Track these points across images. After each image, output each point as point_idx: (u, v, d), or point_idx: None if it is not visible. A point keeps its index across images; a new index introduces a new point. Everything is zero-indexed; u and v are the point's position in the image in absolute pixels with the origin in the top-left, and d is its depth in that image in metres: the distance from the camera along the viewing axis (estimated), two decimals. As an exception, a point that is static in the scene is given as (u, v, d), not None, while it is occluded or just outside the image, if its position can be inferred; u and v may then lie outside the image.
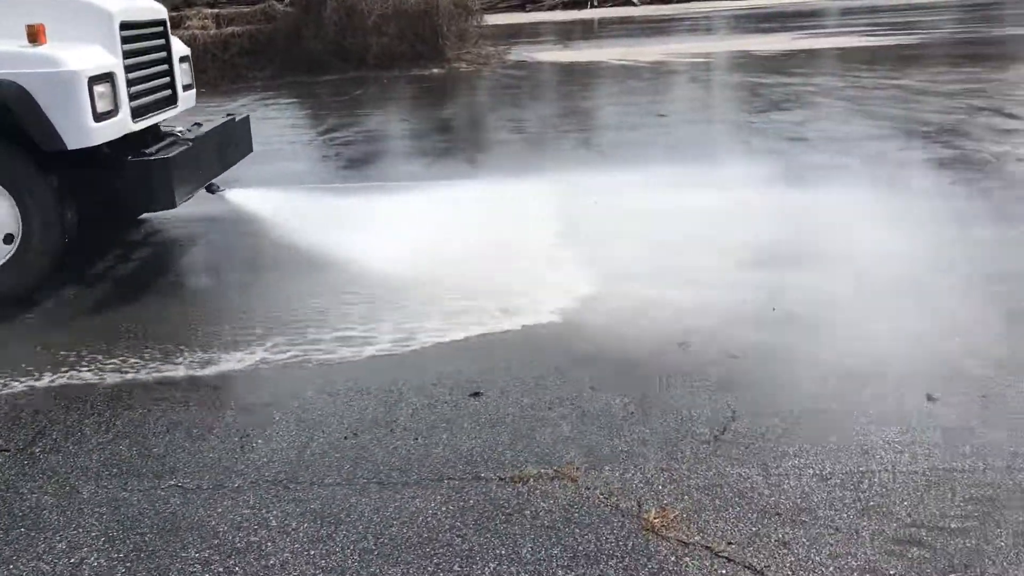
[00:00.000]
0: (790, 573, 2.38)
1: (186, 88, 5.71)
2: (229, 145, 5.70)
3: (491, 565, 2.47)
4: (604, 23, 28.17)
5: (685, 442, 3.05)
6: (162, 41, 5.39)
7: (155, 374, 3.79)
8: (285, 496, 2.85)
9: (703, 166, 6.87)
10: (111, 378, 3.77)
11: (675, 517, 2.63)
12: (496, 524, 2.65)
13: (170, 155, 4.85)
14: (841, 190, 5.93)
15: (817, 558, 2.44)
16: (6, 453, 3.19)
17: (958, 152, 7.07)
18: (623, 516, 2.66)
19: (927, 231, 5.06)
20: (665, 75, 13.86)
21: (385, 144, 9.29)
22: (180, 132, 5.34)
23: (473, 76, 15.47)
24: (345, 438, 3.18)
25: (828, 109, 9.49)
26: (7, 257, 4.58)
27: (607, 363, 3.67)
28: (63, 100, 4.38)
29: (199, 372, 3.79)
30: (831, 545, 2.48)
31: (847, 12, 25.22)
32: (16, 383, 3.76)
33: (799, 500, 2.69)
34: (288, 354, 3.91)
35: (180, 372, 3.80)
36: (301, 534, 2.65)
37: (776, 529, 2.56)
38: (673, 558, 2.45)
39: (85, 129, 4.45)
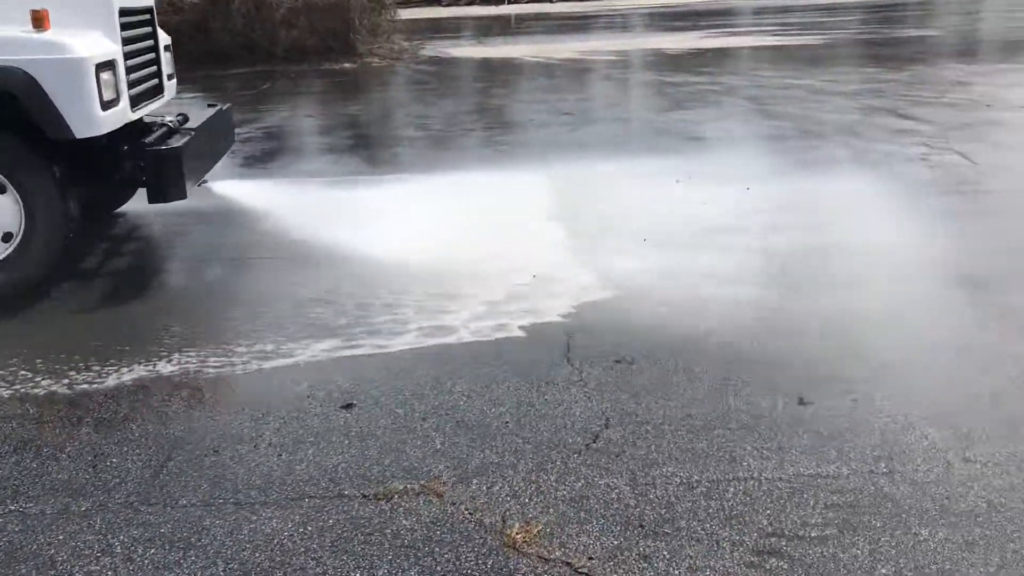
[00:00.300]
0: (648, 588, 2.35)
1: (170, 78, 5.57)
2: (220, 136, 5.61)
3: (344, 589, 2.38)
4: (521, 19, 28.18)
5: (556, 452, 3.00)
6: (151, 29, 5.25)
7: (9, 390, 3.58)
8: (135, 520, 2.70)
9: (596, 166, 6.90)
10: (-39, 394, 3.55)
11: (538, 532, 2.58)
12: (354, 545, 2.55)
13: (180, 144, 4.74)
14: (726, 192, 5.98)
15: (676, 572, 2.41)
16: None
17: (849, 152, 7.22)
18: (486, 532, 2.59)
19: (807, 234, 5.14)
20: (576, 73, 13.88)
21: (287, 141, 9.07)
22: (171, 122, 5.13)
23: (385, 71, 15.26)
24: (206, 455, 3.04)
25: (730, 108, 9.61)
26: (7, 253, 4.40)
27: (486, 371, 3.60)
28: (71, 88, 4.23)
29: (58, 388, 3.59)
30: (691, 558, 2.45)
31: (759, 12, 25.73)
32: None
33: (664, 510, 2.66)
34: (158, 367, 3.74)
35: (40, 389, 3.59)
36: (147, 561, 2.51)
37: (639, 542, 2.52)
38: (531, 576, 2.40)
39: (93, 118, 4.31)
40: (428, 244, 5.12)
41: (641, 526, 2.59)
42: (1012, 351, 3.63)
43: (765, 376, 3.48)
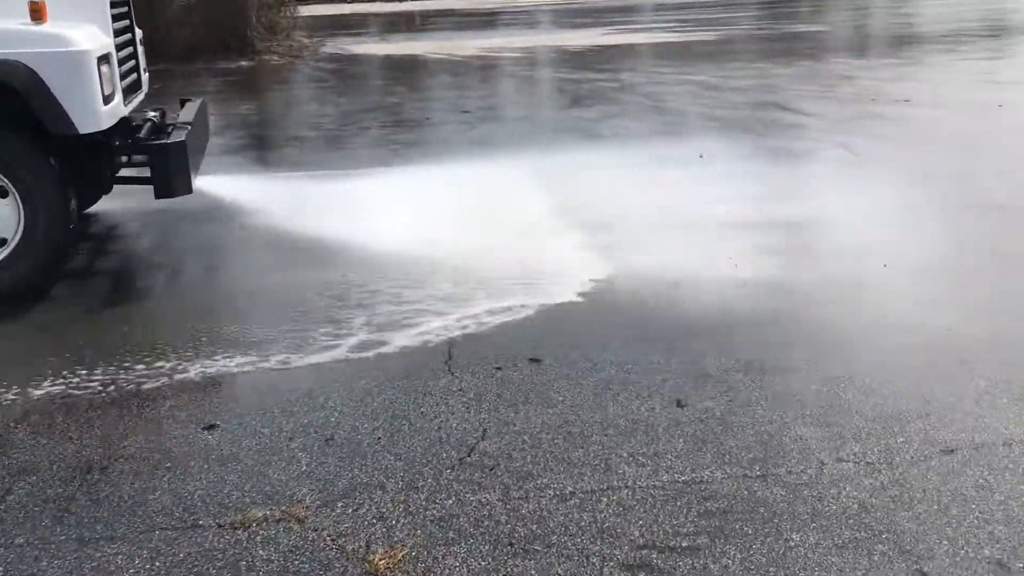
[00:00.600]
0: (514, 611, 2.26)
1: (144, 71, 5.41)
2: (205, 129, 5.51)
3: (189, 631, 2.22)
4: (425, 16, 27.93)
5: (429, 468, 2.88)
6: (130, 22, 5.08)
7: None
8: (-37, 564, 2.48)
9: (487, 165, 6.81)
10: None
11: (403, 556, 2.45)
12: (205, 580, 2.39)
13: (184, 138, 4.66)
14: (613, 192, 5.95)
15: (544, 591, 2.32)
16: None
17: (737, 146, 7.28)
18: (347, 560, 2.45)
19: (691, 232, 5.13)
20: (477, 70, 13.78)
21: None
22: (154, 117, 4.95)
23: (283, 69, 14.90)
24: (50, 487, 2.82)
25: (626, 105, 9.64)
26: (6, 253, 4.26)
27: (362, 384, 3.45)
28: (74, 81, 4.14)
29: None
30: (560, 576, 2.37)
31: (659, 8, 26.07)
32: None
33: (535, 526, 2.57)
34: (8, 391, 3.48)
35: None
36: (-28, 611, 2.30)
37: (507, 561, 2.43)
38: (393, 605, 2.28)
39: (96, 112, 4.23)
40: (328, 247, 4.97)
41: (511, 544, 2.49)
42: (882, 345, 3.67)
43: (645, 380, 3.43)
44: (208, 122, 5.75)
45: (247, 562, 2.45)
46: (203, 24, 15.89)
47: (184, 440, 3.08)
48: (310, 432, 3.12)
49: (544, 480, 2.79)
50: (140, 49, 5.34)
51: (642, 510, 2.63)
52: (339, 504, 2.70)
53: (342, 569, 2.42)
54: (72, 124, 4.16)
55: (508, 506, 2.66)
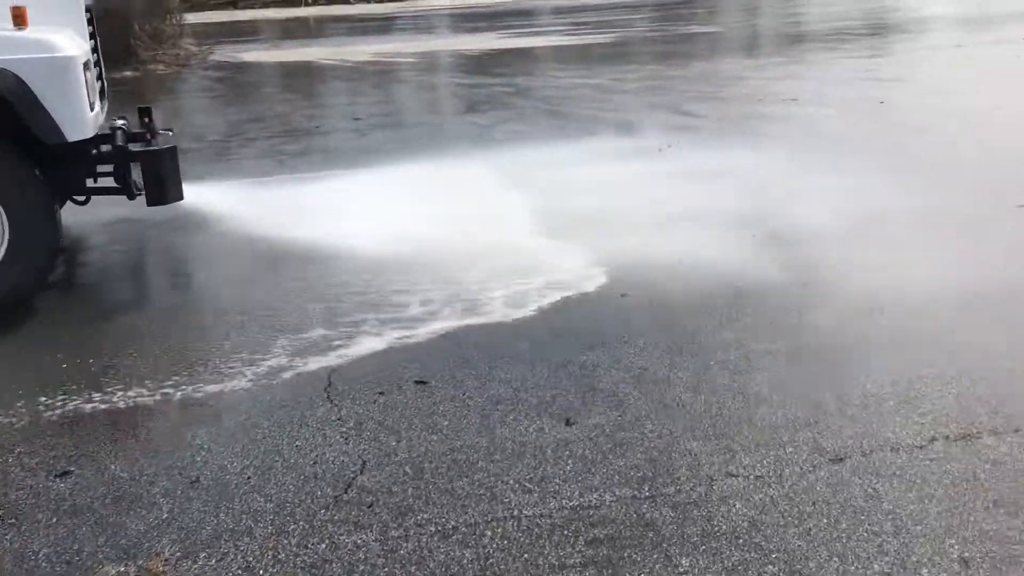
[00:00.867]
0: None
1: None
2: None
3: None
4: (320, 21, 27.44)
5: (302, 508, 2.69)
6: (93, 27, 4.91)
7: None
8: None
9: (373, 174, 6.63)
10: None
11: (269, 611, 2.26)
12: (43, 654, 2.15)
13: (173, 144, 4.65)
14: (504, 200, 5.83)
15: (421, 641, 2.16)
16: None
17: (627, 149, 7.25)
18: (207, 619, 2.25)
19: (578, 241, 5.02)
20: (371, 76, 13.51)
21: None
22: (123, 126, 4.69)
23: (169, 79, 14.33)
24: None
25: (521, 110, 9.53)
26: None
27: (233, 420, 3.23)
28: (63, 88, 4.04)
29: None
30: (438, 622, 2.22)
31: (557, 11, 26.19)
32: None
33: (414, 568, 2.41)
34: None
35: None
36: None
37: (382, 609, 2.26)
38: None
39: (84, 120, 4.15)
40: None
41: (387, 590, 2.33)
42: (772, 350, 3.64)
43: (534, 397, 3.30)
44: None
45: (94, 630, 2.22)
46: (82, 33, 15.22)
47: (31, 490, 2.81)
48: (174, 474, 2.89)
49: (425, 515, 2.63)
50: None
51: (527, 542, 2.50)
52: (202, 555, 2.49)
53: (201, 631, 2.21)
54: (61, 132, 4.05)
55: (386, 547, 2.50)
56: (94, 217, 5.52)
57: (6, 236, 4.10)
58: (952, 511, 2.57)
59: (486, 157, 7.10)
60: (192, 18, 21.06)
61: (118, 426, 3.21)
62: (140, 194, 4.85)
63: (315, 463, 2.93)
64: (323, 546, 2.51)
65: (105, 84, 5.15)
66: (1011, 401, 3.17)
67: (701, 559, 2.41)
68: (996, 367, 3.43)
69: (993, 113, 8.32)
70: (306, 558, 2.46)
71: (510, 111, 9.55)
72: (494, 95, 10.74)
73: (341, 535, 2.55)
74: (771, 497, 2.66)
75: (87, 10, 4.83)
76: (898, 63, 12.17)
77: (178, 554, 2.49)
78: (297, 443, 3.05)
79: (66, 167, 4.43)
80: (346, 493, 2.76)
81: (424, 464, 2.90)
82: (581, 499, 2.69)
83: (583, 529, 2.55)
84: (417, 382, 3.46)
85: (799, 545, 2.45)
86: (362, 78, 13.31)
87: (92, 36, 4.87)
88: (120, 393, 3.43)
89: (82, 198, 4.84)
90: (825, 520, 2.55)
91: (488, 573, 2.38)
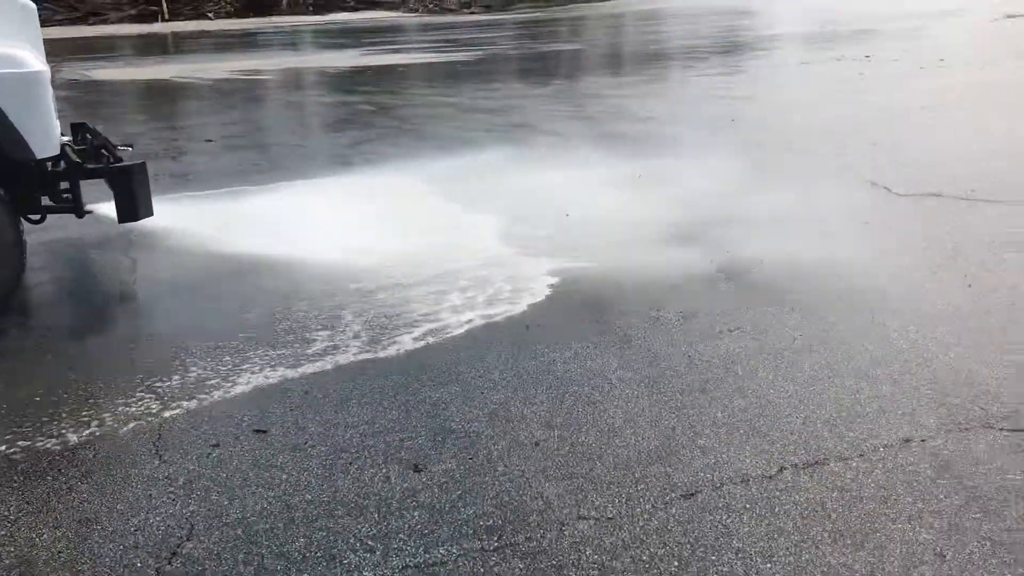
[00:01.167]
0: None
1: None
2: None
3: None
4: (179, 37, 26.52)
5: (118, 586, 2.43)
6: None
7: None
8: None
9: (225, 202, 6.34)
10: None
11: None
12: None
13: (141, 160, 4.60)
14: (357, 226, 5.67)
15: None
16: None
17: (481, 167, 7.19)
18: None
19: (432, 268, 4.92)
20: (227, 94, 13.06)
21: None
22: (68, 142, 4.46)
23: (5, 98, 13.43)
24: None
25: (382, 130, 9.37)
26: None
27: (43, 486, 2.92)
28: (31, 104, 3.99)
29: None
30: None
31: (424, 28, 26.13)
32: None
33: (240, 647, 2.20)
34: None
35: None
36: None
37: None
38: None
39: (52, 136, 4.10)
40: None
41: (208, 676, 2.12)
42: (625, 378, 3.59)
43: (381, 443, 3.13)
44: None
45: None
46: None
47: None
48: (-29, 553, 2.58)
49: (257, 584, 2.43)
50: None
51: (366, 608, 2.33)
52: (-5, 650, 2.21)
53: None
54: (29, 149, 3.99)
55: (210, 625, 2.28)
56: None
57: None
58: (801, 545, 2.55)
59: (343, 180, 6.91)
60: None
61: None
62: (88, 213, 4.72)
63: (136, 530, 2.67)
64: (138, 629, 2.27)
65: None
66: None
67: (549, 615, 2.30)
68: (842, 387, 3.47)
69: (834, 127, 8.67)
70: (118, 645, 2.22)
71: (371, 131, 9.39)
72: (355, 114, 10.55)
73: (160, 614, 2.32)
74: (622, 540, 2.56)
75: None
76: (746, 82, 12.61)
77: (-32, 651, 2.21)
78: (118, 508, 2.78)
79: (24, 184, 4.30)
80: (170, 563, 2.52)
81: (258, 526, 2.68)
82: (427, 555, 2.53)
83: (424, 589, 2.40)
84: (256, 431, 3.24)
85: (649, 591, 2.37)
86: (218, 97, 12.88)
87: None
88: (-85, 460, 3.07)
89: (36, 216, 4.64)
90: (676, 563, 2.46)
91: (322, 648, 2.20)
